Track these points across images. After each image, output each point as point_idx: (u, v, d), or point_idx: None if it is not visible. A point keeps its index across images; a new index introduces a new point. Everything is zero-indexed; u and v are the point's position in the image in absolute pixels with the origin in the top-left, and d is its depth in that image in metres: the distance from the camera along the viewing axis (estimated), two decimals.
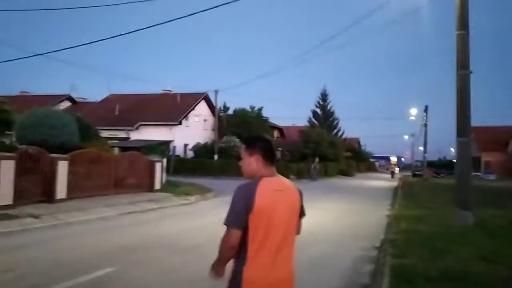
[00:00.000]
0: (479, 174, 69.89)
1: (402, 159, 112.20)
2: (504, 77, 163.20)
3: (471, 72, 10.17)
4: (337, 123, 61.18)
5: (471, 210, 10.13)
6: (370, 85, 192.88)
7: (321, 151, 47.82)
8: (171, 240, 8.20)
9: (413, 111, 43.01)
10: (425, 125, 39.62)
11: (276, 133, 57.98)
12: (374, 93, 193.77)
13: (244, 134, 40.96)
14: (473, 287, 5.02)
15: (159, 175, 16.68)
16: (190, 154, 40.53)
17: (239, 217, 2.23)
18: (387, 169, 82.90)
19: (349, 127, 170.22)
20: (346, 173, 51.60)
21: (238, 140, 38.13)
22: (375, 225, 11.36)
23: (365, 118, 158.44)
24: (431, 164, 65.86)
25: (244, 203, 2.23)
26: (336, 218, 12.29)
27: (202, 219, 11.14)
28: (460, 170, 10.31)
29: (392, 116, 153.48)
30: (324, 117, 59.74)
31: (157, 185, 16.32)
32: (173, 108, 41.54)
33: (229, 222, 2.26)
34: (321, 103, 60.72)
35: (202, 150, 39.17)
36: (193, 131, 42.33)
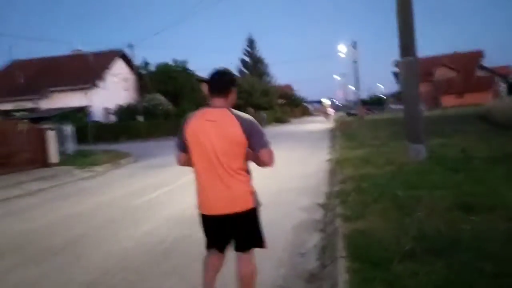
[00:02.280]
0: None
1: (335, 100, 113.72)
2: (426, 8, 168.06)
3: None
4: (268, 70, 59.25)
5: (423, 143, 8.62)
6: (298, 26, 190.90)
7: (254, 100, 45.97)
8: (40, 235, 5.83)
9: (342, 48, 41.75)
10: (355, 62, 38.58)
11: (206, 87, 55.12)
12: (302, 34, 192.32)
13: (170, 91, 37.93)
14: (473, 261, 3.23)
15: (54, 146, 13.81)
16: (113, 118, 36.98)
17: (179, 141, 2.71)
18: (321, 111, 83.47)
19: (280, 73, 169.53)
20: (281, 120, 50.41)
21: (163, 98, 35.09)
22: (316, 173, 9.64)
23: (294, 60, 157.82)
24: (363, 102, 66.58)
25: (181, 130, 2.68)
26: (271, 170, 10.40)
27: (104, 195, 8.77)
28: (407, 96, 8.66)
29: (322, 55, 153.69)
30: (254, 65, 57.53)
31: (54, 158, 13.54)
32: (86, 70, 37.20)
33: (175, 145, 2.76)
34: (249, 50, 58.19)
35: (125, 113, 35.75)
36: (113, 93, 38.47)
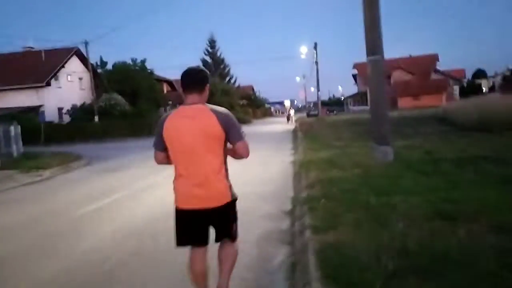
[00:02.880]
0: (366, 107, 73.57)
1: (295, 101, 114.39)
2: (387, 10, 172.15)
3: None
4: (229, 70, 58.64)
5: (390, 144, 8.31)
6: (260, 27, 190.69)
7: (214, 100, 45.17)
8: None
9: (304, 50, 41.72)
10: (316, 63, 38.61)
11: (166, 86, 53.80)
12: (265, 35, 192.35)
13: (128, 90, 36.57)
14: (467, 283, 2.78)
15: None
16: (67, 118, 35.23)
17: (157, 140, 2.73)
18: (282, 112, 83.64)
19: (241, 74, 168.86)
20: (243, 120, 49.84)
21: (120, 97, 33.74)
22: (280, 176, 9.15)
23: (256, 61, 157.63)
24: (323, 103, 67.18)
25: (159, 129, 2.68)
26: (234, 172, 9.83)
27: (47, 203, 7.89)
28: (373, 96, 8.33)
29: (284, 56, 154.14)
30: (215, 65, 56.72)
31: None
32: (38, 68, 35.26)
33: (153, 145, 2.78)
34: (210, 50, 57.36)
35: (80, 113, 34.11)
36: (67, 93, 36.72)
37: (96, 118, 32.31)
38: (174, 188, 2.74)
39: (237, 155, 2.73)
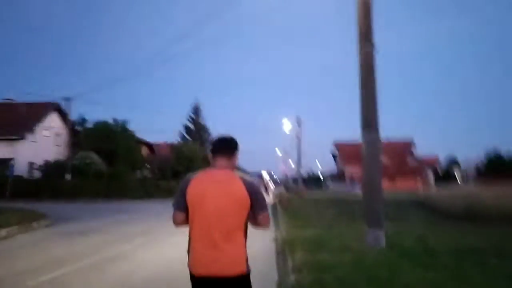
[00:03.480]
0: (345, 186, 73.73)
1: (274, 174, 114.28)
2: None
3: (375, 48, 7.92)
4: (211, 137, 58.55)
5: (383, 229, 7.75)
6: (244, 97, 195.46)
7: (195, 167, 44.52)
8: None
9: (286, 123, 42.18)
10: (298, 138, 38.93)
11: (145, 150, 53.11)
12: (248, 105, 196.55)
13: (106, 150, 35.74)
14: None
15: None
16: (38, 174, 33.82)
17: (178, 200, 2.65)
18: (261, 185, 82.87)
19: None
20: None
21: (96, 156, 32.81)
22: (262, 255, 8.35)
23: (236, 129, 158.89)
24: (302, 180, 67.07)
25: (181, 190, 2.63)
26: None
27: None
28: (368, 177, 7.89)
29: (264, 127, 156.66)
30: (197, 132, 56.74)
31: None
32: (16, 120, 34.45)
33: (173, 204, 2.70)
34: (194, 117, 57.67)
35: (52, 169, 32.84)
36: (42, 148, 35.65)
37: (69, 176, 31.08)
38: (189, 252, 2.63)
39: (258, 225, 2.67)
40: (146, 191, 32.01)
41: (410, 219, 14.25)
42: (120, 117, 42.70)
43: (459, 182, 57.70)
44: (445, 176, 70.77)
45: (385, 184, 46.67)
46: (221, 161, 2.70)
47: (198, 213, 2.56)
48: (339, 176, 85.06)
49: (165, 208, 22.74)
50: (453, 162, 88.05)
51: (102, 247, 8.87)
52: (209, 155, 2.78)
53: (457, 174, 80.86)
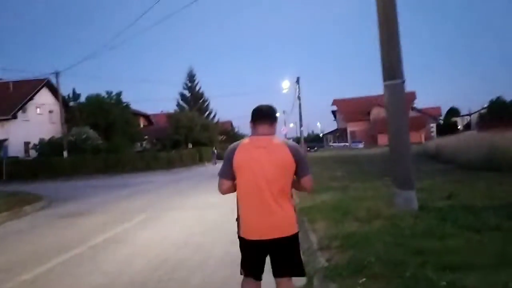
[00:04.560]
0: (347, 144, 72.97)
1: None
2: (361, 51, 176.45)
3: None
4: (208, 104, 57.31)
5: (414, 189, 6.79)
6: (240, 58, 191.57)
7: (193, 136, 43.53)
8: None
9: (286, 84, 40.79)
10: (299, 97, 37.68)
11: (142, 121, 51.97)
12: (245, 67, 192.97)
13: (102, 124, 34.63)
14: None
15: None
16: (34, 154, 32.87)
17: (225, 169, 2.69)
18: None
19: (221, 108, 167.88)
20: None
21: (92, 131, 31.72)
22: None
23: (235, 94, 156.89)
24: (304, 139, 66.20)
25: (228, 158, 2.67)
26: (215, 223, 8.10)
27: None
28: (394, 130, 6.84)
29: (264, 90, 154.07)
30: (194, 99, 55.33)
31: None
32: (5, 99, 33.17)
33: (219, 173, 2.75)
34: (189, 84, 56.10)
35: (48, 148, 31.84)
36: (36, 126, 34.53)
37: (65, 154, 30.13)
38: (239, 218, 2.71)
39: (302, 188, 2.76)
40: (146, 163, 31.09)
41: (428, 173, 13.34)
42: (114, 89, 41.45)
43: (461, 132, 56.73)
44: (447, 127, 69.85)
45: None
46: (263, 128, 2.70)
47: (246, 179, 2.61)
48: (340, 134, 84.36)
49: (165, 180, 22.06)
50: (454, 113, 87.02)
51: (97, 231, 7.96)
52: (250, 123, 2.77)
53: (459, 124, 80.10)
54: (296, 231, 2.66)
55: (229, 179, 2.71)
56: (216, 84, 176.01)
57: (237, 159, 2.61)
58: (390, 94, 6.65)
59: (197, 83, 56.55)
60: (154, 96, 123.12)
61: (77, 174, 28.19)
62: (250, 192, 2.60)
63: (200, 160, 40.20)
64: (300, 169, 2.63)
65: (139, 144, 42.02)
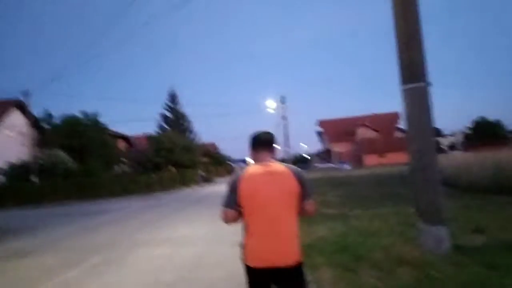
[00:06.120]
0: (333, 165, 71.76)
1: None
2: (345, 71, 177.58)
3: None
4: (190, 125, 55.61)
5: (446, 224, 5.27)
6: (224, 79, 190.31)
7: (175, 158, 41.65)
8: None
9: (271, 104, 39.44)
10: (284, 117, 36.38)
11: (122, 143, 49.92)
12: (228, 88, 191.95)
13: (76, 146, 32.62)
14: None
15: None
16: (2, 179, 30.58)
17: (228, 198, 2.65)
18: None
19: (204, 129, 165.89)
20: (207, 179, 46.29)
21: (63, 154, 29.72)
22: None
23: (219, 115, 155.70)
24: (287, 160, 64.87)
25: (232, 187, 2.64)
26: (190, 268, 6.43)
27: None
28: (417, 146, 5.32)
29: (248, 110, 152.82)
30: (175, 120, 53.61)
31: None
32: None
33: (223, 203, 2.68)
34: (170, 105, 54.49)
35: (17, 172, 29.63)
36: (6, 149, 32.22)
37: (35, 178, 28.00)
38: (246, 246, 2.64)
39: (305, 212, 2.70)
40: (123, 187, 29.13)
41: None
42: (92, 110, 39.51)
43: (447, 152, 56.11)
44: None
45: (375, 159, 44.76)
46: (264, 154, 2.73)
47: (254, 207, 2.59)
48: (325, 155, 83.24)
49: (141, 206, 20.20)
50: (437, 133, 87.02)
51: (39, 277, 6.22)
52: (250, 150, 2.80)
53: (442, 145, 79.84)
54: (300, 259, 2.60)
55: (234, 208, 2.66)
56: (199, 105, 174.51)
57: (244, 187, 2.59)
58: (411, 101, 5.18)
59: (179, 104, 54.99)
60: (136, 117, 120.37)
61: (47, 200, 26.12)
62: (257, 219, 2.59)
63: (182, 183, 38.29)
64: (304, 193, 2.63)
65: (117, 167, 39.93)
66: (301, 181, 2.60)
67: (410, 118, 5.26)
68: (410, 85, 5.15)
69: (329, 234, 7.05)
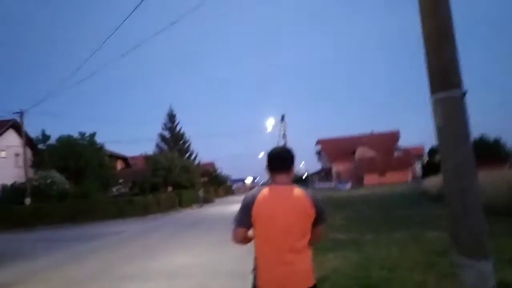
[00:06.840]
0: (333, 184, 70.82)
1: (258, 179, 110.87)
2: (345, 91, 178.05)
3: None
4: (189, 145, 54.94)
5: (491, 259, 4.49)
6: (222, 98, 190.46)
7: (173, 178, 40.86)
8: None
9: (269, 122, 38.79)
10: (284, 135, 35.68)
11: (120, 164, 49.16)
12: (227, 108, 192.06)
13: (72, 167, 31.86)
14: None
15: None
16: None
17: (241, 217, 2.58)
18: (246, 191, 79.82)
19: (202, 149, 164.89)
20: (206, 200, 45.40)
21: (58, 175, 28.92)
22: None
23: (218, 135, 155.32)
24: None
25: (246, 207, 2.56)
26: None
27: None
28: (452, 166, 4.51)
29: (247, 130, 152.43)
30: (174, 140, 53.00)
31: None
32: None
33: (235, 222, 2.61)
34: (169, 125, 53.93)
35: (10, 194, 28.79)
36: (1, 171, 31.55)
37: (28, 200, 27.14)
38: (257, 268, 2.58)
39: (314, 237, 2.61)
40: (119, 209, 28.25)
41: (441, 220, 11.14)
42: (90, 130, 38.80)
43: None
44: (433, 166, 68.63)
45: (375, 178, 43.68)
46: (281, 177, 2.62)
47: (267, 230, 2.52)
48: (325, 174, 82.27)
49: (136, 230, 19.34)
50: (436, 152, 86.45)
51: None
52: (267, 171, 2.70)
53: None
54: (313, 283, 2.52)
55: (246, 228, 2.59)
56: (197, 124, 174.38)
57: (258, 209, 2.52)
58: (444, 112, 4.44)
59: (177, 124, 54.45)
60: (135, 138, 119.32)
61: (40, 223, 25.22)
62: (270, 243, 2.51)
63: (180, 204, 37.39)
64: (319, 219, 2.57)
65: (114, 188, 39.06)
66: (318, 208, 2.54)
67: (443, 132, 4.51)
68: (443, 94, 4.44)
69: (344, 264, 6.29)
